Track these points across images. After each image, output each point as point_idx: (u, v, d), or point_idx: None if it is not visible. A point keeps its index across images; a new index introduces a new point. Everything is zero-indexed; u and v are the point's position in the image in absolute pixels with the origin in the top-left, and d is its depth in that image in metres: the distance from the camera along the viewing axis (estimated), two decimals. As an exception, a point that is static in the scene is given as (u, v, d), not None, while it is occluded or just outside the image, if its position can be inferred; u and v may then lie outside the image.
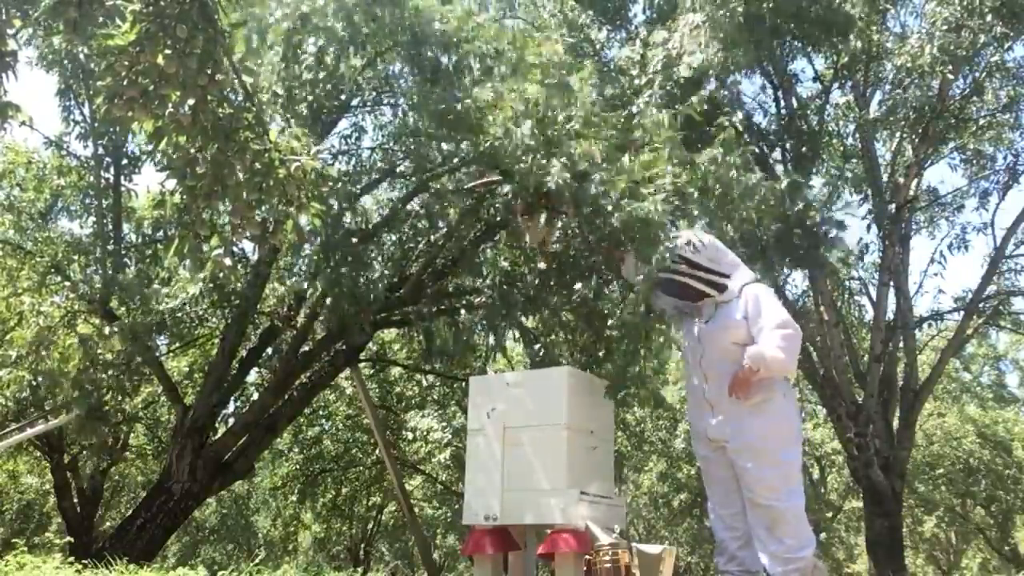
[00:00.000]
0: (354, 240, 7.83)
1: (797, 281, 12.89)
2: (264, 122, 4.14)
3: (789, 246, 7.75)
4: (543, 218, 6.09)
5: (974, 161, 12.12)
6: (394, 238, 9.83)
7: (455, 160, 7.84)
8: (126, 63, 3.58)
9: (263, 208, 4.06)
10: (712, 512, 4.43)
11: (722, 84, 8.59)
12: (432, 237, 9.16)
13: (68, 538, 9.24)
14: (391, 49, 7.21)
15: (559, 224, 6.42)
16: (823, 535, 20.16)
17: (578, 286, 7.41)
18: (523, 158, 5.91)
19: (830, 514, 20.92)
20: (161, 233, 9.74)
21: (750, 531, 4.14)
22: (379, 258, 9.07)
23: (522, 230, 6.59)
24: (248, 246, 8.62)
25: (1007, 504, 19.79)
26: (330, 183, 6.75)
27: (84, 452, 12.72)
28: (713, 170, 5.72)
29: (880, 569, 10.57)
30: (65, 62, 7.85)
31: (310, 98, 7.38)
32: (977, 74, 10.48)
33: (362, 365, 10.81)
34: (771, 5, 8.00)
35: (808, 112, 10.51)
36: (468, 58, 7.06)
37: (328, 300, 7.27)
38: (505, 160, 6.05)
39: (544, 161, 5.82)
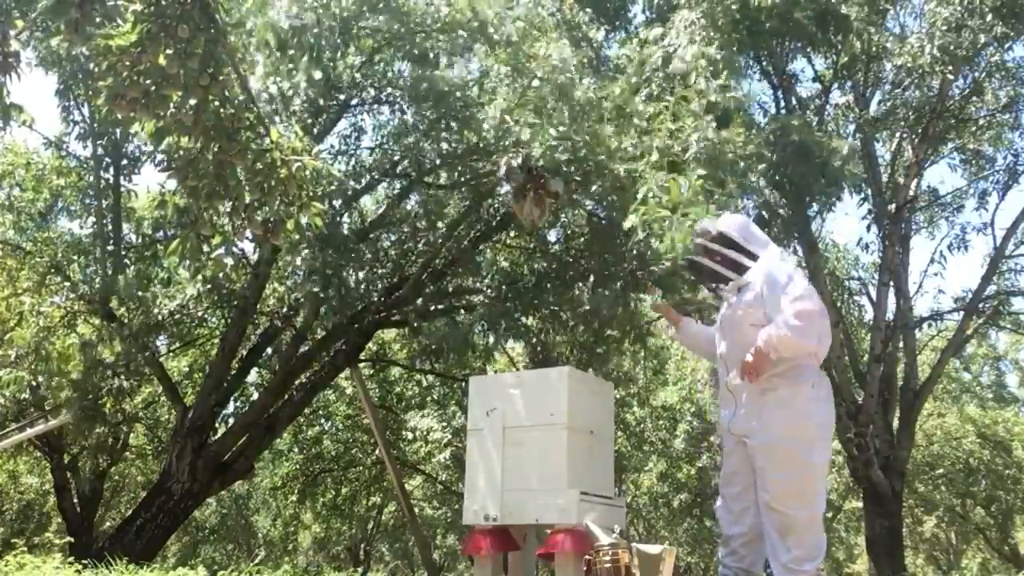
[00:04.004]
0: (349, 239, 7.86)
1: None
2: (265, 122, 4.14)
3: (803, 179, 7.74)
4: (532, 196, 6.18)
5: (974, 161, 12.12)
6: (393, 238, 9.84)
7: (452, 159, 7.87)
8: (128, 63, 3.59)
9: (264, 208, 4.06)
10: (721, 502, 4.22)
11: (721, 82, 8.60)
12: (431, 237, 9.18)
13: (68, 538, 9.24)
14: (387, 44, 7.23)
15: (550, 203, 6.49)
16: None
17: (578, 288, 7.46)
18: (513, 143, 5.97)
19: (830, 514, 20.93)
20: (161, 233, 9.74)
21: (760, 529, 4.01)
22: (375, 257, 9.08)
23: (514, 210, 6.67)
24: (248, 246, 8.64)
25: (1007, 504, 19.78)
26: (333, 185, 6.79)
27: (84, 452, 12.73)
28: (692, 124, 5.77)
29: (880, 569, 10.58)
30: (64, 62, 7.86)
31: (305, 98, 7.39)
32: (977, 74, 10.48)
33: (362, 365, 10.82)
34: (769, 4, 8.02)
35: (808, 112, 10.52)
36: (461, 43, 7.07)
37: (314, 299, 7.28)
38: (499, 147, 6.10)
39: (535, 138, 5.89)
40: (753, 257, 4.06)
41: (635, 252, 6.11)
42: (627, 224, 5.93)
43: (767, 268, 3.99)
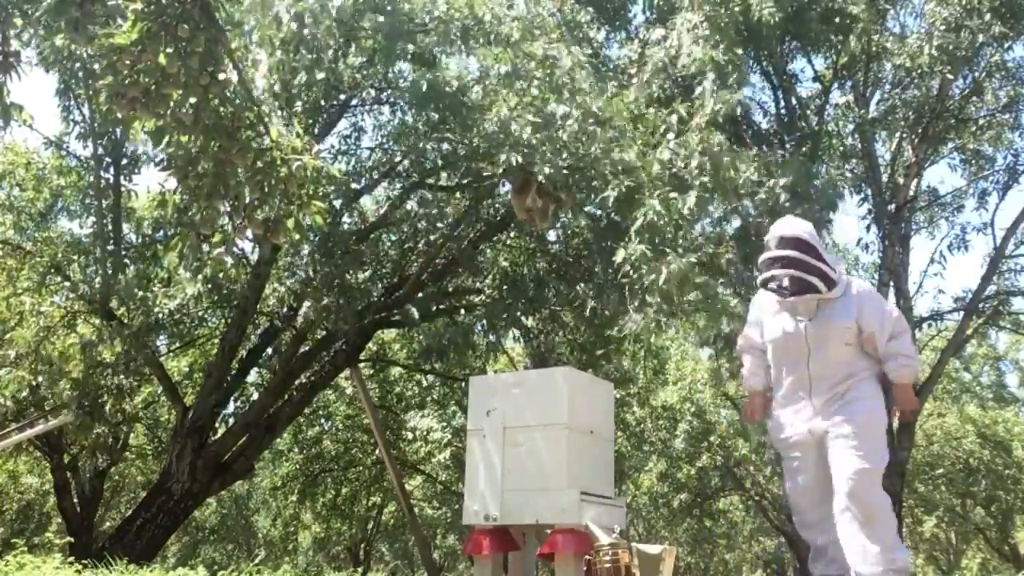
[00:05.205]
0: (351, 239, 7.88)
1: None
2: (265, 121, 4.14)
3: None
4: (532, 195, 6.23)
5: (974, 161, 12.10)
6: (393, 238, 9.85)
7: (453, 160, 7.87)
8: (128, 62, 3.59)
9: (264, 207, 4.06)
10: (802, 518, 4.10)
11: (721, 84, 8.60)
12: (431, 237, 9.19)
13: (68, 538, 9.24)
14: (388, 45, 7.23)
15: (552, 207, 6.55)
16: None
17: (580, 287, 7.49)
18: (517, 147, 6.00)
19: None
20: (161, 233, 9.74)
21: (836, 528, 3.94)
22: (374, 258, 9.08)
23: (517, 212, 6.71)
24: (248, 246, 8.64)
25: (1007, 504, 19.78)
26: (333, 185, 6.80)
27: (84, 452, 12.71)
28: (701, 147, 5.84)
29: (880, 569, 10.56)
30: (65, 62, 7.85)
31: (304, 97, 7.40)
32: (977, 74, 10.47)
33: (362, 365, 10.82)
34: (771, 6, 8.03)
35: (808, 112, 10.52)
36: (457, 39, 7.09)
37: (314, 301, 7.30)
38: (500, 148, 6.13)
39: (539, 147, 5.93)
40: (832, 267, 3.95)
41: (624, 281, 6.17)
42: (616, 258, 5.97)
43: (864, 287, 4.02)
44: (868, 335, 3.92)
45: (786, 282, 3.93)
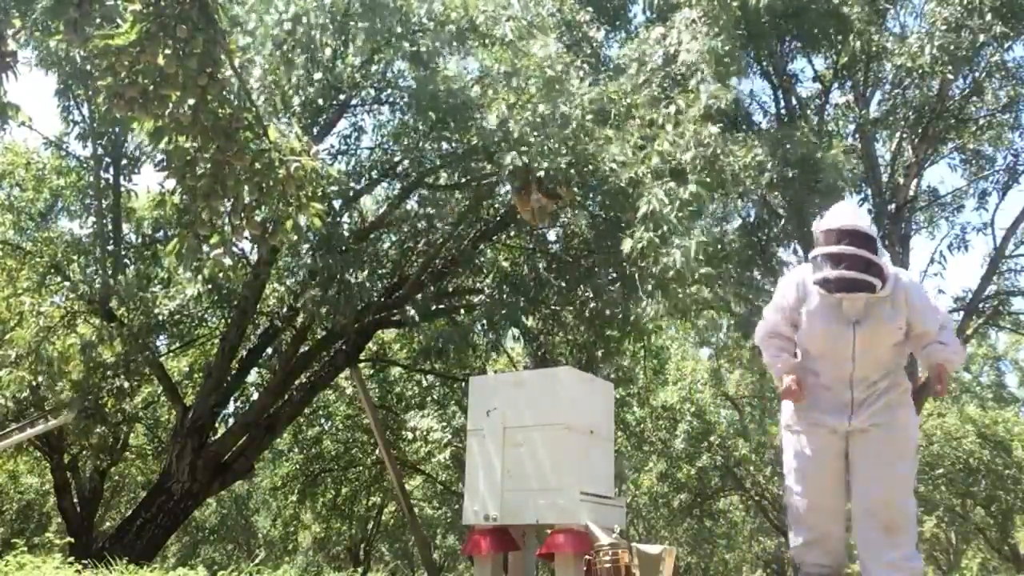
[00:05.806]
0: (349, 239, 7.88)
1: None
2: (263, 122, 4.14)
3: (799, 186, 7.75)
4: (535, 193, 6.27)
5: (974, 161, 12.11)
6: (393, 238, 9.84)
7: (451, 158, 7.88)
8: (126, 63, 3.59)
9: (263, 208, 4.06)
10: (809, 503, 3.86)
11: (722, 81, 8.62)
12: (431, 237, 9.19)
13: (68, 538, 9.23)
14: (387, 45, 7.24)
15: (552, 205, 6.58)
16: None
17: (580, 288, 7.51)
18: (518, 146, 6.03)
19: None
20: (161, 233, 9.74)
21: (844, 530, 3.84)
22: (373, 258, 9.08)
23: (518, 207, 6.73)
24: (248, 246, 8.63)
25: (1007, 504, 19.78)
26: (335, 185, 6.80)
27: (84, 452, 12.71)
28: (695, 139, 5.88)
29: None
30: (64, 62, 7.84)
31: (304, 98, 7.40)
32: (977, 74, 10.47)
33: (362, 365, 10.81)
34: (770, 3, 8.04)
35: (808, 112, 10.52)
36: (454, 39, 7.10)
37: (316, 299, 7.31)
38: (499, 147, 6.16)
39: (538, 145, 5.96)
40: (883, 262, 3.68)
41: (631, 271, 6.23)
42: (624, 247, 6.01)
43: (908, 278, 3.80)
44: (920, 333, 3.72)
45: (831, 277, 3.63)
